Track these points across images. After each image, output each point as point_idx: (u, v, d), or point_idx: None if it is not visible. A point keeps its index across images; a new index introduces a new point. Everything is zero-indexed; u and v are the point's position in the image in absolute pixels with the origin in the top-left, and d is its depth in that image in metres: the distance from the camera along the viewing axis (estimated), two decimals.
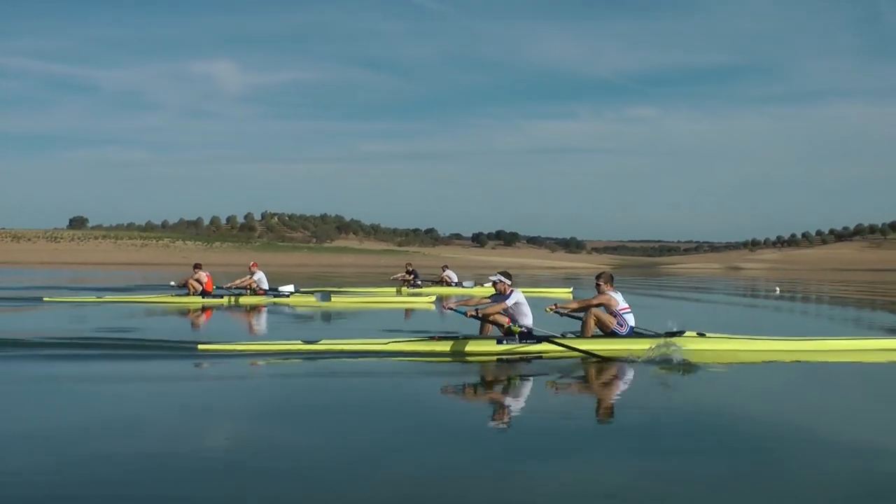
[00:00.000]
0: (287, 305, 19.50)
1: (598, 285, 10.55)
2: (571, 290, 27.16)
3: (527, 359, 9.77)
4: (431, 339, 10.03)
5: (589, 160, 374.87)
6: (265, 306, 19.15)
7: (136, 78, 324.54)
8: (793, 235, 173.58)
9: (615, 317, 10.22)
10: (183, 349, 10.02)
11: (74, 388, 7.74)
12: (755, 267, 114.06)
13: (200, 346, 9.92)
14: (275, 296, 20.28)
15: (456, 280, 27.04)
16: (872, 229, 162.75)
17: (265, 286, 20.45)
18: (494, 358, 9.82)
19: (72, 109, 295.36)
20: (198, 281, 20.23)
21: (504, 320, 10.29)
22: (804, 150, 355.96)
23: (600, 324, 10.22)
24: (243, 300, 19.93)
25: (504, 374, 9.23)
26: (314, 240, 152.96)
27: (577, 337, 10.06)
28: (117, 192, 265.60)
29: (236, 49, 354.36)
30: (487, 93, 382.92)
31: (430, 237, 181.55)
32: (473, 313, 10.43)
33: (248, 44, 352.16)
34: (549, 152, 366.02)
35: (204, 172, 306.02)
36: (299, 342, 9.98)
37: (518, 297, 10.43)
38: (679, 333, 10.14)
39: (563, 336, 10.07)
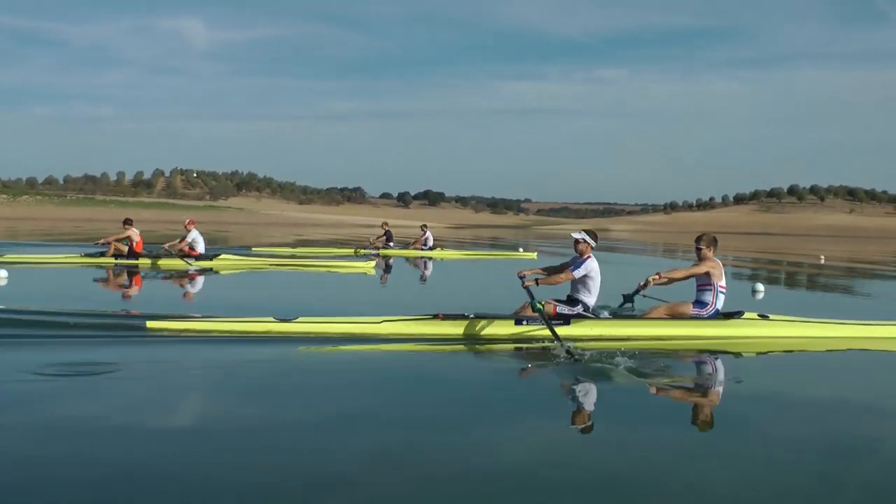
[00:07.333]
0: (210, 269, 17.85)
1: (698, 250, 9.15)
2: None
3: (540, 347, 8.25)
4: (435, 317, 8.65)
5: (555, 121, 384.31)
6: (189, 271, 17.48)
7: (104, 33, 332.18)
8: (711, 198, 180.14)
9: (709, 289, 8.90)
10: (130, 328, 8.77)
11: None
12: (623, 229, 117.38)
13: (150, 325, 8.52)
14: (202, 259, 18.51)
15: (431, 244, 26.48)
16: (770, 193, 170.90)
17: (200, 248, 18.80)
18: (512, 346, 8.48)
19: (39, 64, 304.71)
20: (127, 239, 18.32)
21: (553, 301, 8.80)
22: (771, 114, 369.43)
23: (672, 311, 8.94)
24: (163, 263, 18.25)
25: (519, 363, 8.00)
26: (208, 197, 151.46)
27: (635, 318, 8.92)
28: (69, 147, 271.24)
29: (204, 5, 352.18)
30: (456, 53, 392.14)
31: (339, 196, 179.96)
32: (531, 283, 8.75)
33: (216, 0, 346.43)
34: (515, 113, 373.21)
35: (165, 129, 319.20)
36: (271, 319, 8.61)
37: (591, 266, 8.93)
38: (737, 315, 8.96)
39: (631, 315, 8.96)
